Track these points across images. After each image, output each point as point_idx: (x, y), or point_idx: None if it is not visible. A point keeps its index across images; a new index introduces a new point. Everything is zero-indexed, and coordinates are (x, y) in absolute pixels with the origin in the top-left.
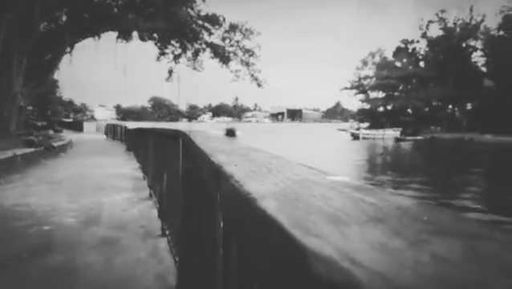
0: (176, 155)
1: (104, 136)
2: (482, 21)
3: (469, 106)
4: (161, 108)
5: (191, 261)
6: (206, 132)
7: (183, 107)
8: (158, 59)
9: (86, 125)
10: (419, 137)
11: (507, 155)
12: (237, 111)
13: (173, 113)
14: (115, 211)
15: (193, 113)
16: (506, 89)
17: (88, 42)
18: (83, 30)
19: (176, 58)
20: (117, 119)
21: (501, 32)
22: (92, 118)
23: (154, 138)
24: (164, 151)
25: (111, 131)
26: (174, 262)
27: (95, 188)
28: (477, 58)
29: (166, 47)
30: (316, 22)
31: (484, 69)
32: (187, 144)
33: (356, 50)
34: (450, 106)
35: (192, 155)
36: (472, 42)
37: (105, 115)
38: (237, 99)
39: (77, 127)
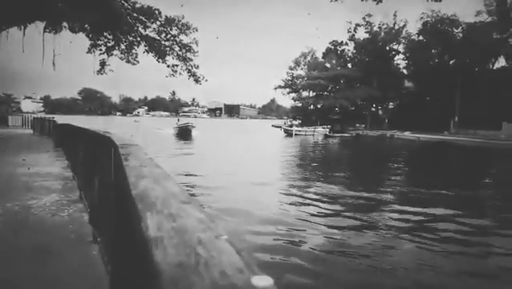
0: (108, 162)
1: (31, 131)
2: (404, 26)
3: (391, 105)
4: (93, 101)
5: (124, 270)
6: (142, 149)
7: (117, 100)
8: (90, 50)
9: (11, 119)
10: (346, 134)
11: (422, 149)
12: (174, 106)
13: (106, 106)
14: (43, 215)
15: (127, 107)
16: (423, 90)
17: (15, 31)
18: (7, 18)
19: (109, 50)
20: (44, 112)
21: (421, 37)
22: (19, 110)
23: (85, 140)
24: (95, 154)
25: (39, 125)
26: (106, 271)
27: (22, 189)
28: (400, 61)
29: (98, 39)
30: (255, 21)
31: (405, 71)
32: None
33: (293, 49)
34: (374, 105)
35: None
36: (395, 46)
37: (32, 107)
38: (174, 93)
39: (0, 121)
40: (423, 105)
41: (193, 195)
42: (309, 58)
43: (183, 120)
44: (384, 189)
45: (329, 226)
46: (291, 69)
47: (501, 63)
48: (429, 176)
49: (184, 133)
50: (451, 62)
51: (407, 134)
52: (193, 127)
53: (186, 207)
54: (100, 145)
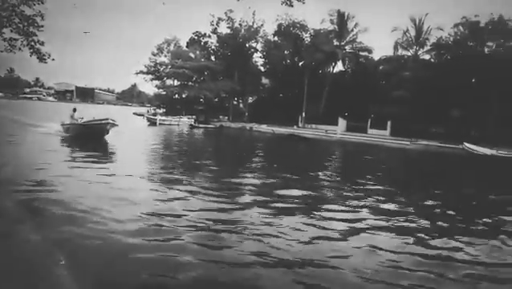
0: None
1: None
2: (262, 26)
3: (250, 99)
4: None
5: None
6: None
7: None
8: None
9: None
10: (210, 125)
11: (273, 140)
12: (11, 86)
13: None
14: None
15: None
16: (278, 88)
17: None
18: None
19: None
20: None
21: (276, 38)
22: None
23: None
24: None
25: None
26: None
27: None
28: (258, 58)
29: None
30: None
31: (262, 69)
32: None
33: (157, 34)
34: (236, 98)
35: None
36: (254, 44)
37: None
38: (12, 70)
39: None
40: (277, 101)
41: None
42: (172, 46)
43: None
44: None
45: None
46: (154, 55)
47: (339, 67)
48: (273, 159)
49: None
50: (300, 63)
51: (264, 127)
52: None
53: None
54: None
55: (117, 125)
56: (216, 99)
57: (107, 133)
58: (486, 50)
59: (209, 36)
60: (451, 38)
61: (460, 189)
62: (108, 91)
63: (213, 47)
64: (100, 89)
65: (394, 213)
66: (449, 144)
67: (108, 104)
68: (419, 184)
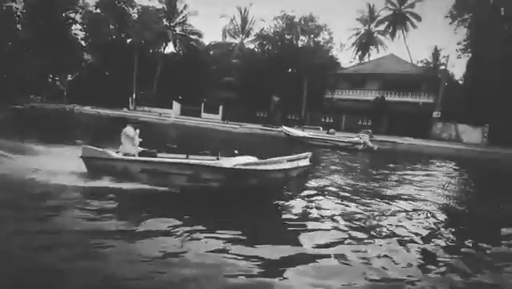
0: None
1: None
2: None
3: (70, 77)
4: None
5: None
6: None
7: None
8: None
9: None
10: (18, 106)
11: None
12: None
13: None
14: None
15: None
16: (103, 65)
17: None
18: None
19: None
20: None
21: (98, 10)
22: None
23: None
24: None
25: None
26: None
27: None
28: (78, 31)
29: None
30: None
31: (83, 43)
32: None
33: None
34: (51, 75)
35: None
36: (72, 15)
37: None
38: None
39: None
40: (103, 80)
41: None
42: None
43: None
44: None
45: None
46: None
47: (171, 48)
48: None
49: None
50: (128, 40)
51: (87, 108)
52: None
53: None
54: None
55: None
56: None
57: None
58: (300, 43)
59: (14, 0)
60: (271, 30)
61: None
62: None
63: (18, 13)
64: None
65: None
66: (270, 128)
67: None
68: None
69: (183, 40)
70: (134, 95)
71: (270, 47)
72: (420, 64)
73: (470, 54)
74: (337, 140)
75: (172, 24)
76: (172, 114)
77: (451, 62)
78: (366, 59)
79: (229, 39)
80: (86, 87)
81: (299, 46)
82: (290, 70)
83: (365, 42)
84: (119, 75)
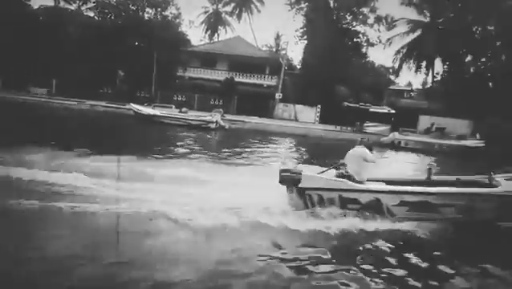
0: None
1: None
2: None
3: None
4: None
5: None
6: None
7: None
8: None
9: None
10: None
11: None
12: None
13: None
14: None
15: None
16: None
17: None
18: None
19: None
20: None
21: None
22: None
23: None
24: None
25: None
26: None
27: None
28: None
29: None
30: None
31: None
32: None
33: None
34: None
35: None
36: None
37: None
38: None
39: None
40: None
41: None
42: None
43: None
44: None
45: None
46: None
47: None
48: None
49: None
50: None
51: None
52: None
53: None
54: None
55: None
56: None
57: None
58: (147, 16)
59: None
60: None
61: None
62: None
63: None
64: None
65: None
66: (115, 105)
67: None
68: None
69: None
70: None
71: (112, 17)
72: (264, 48)
73: (306, 41)
74: (190, 118)
75: None
76: None
77: (291, 47)
78: (215, 39)
79: (63, 5)
80: None
81: (146, 18)
82: (137, 43)
83: (214, 22)
84: None
